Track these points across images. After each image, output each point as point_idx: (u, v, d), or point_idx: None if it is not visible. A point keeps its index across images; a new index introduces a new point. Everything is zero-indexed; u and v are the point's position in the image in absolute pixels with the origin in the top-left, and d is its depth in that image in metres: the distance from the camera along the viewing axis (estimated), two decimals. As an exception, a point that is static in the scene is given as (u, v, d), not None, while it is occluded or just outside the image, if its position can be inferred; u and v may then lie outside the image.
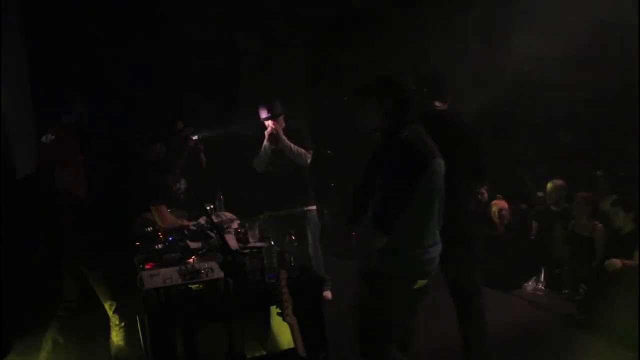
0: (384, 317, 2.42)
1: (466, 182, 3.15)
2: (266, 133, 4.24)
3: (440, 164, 2.37)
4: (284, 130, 4.27)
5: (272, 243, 2.76)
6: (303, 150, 4.27)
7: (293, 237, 2.87)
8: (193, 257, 3.04)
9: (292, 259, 2.78)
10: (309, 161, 4.34)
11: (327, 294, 4.55)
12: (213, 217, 3.56)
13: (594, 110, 5.43)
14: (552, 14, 4.59)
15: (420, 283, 2.40)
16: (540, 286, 4.80)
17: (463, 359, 3.17)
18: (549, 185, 5.17)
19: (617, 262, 4.03)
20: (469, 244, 3.18)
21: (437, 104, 3.17)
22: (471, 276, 3.19)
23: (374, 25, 6.13)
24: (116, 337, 3.20)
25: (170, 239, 3.36)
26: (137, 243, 3.38)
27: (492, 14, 4.97)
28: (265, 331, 3.47)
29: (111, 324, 3.20)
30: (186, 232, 3.48)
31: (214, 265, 2.73)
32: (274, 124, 4.21)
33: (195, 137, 4.18)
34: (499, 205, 5.31)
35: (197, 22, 5.62)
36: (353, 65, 5.96)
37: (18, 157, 4.40)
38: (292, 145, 4.23)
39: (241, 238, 3.40)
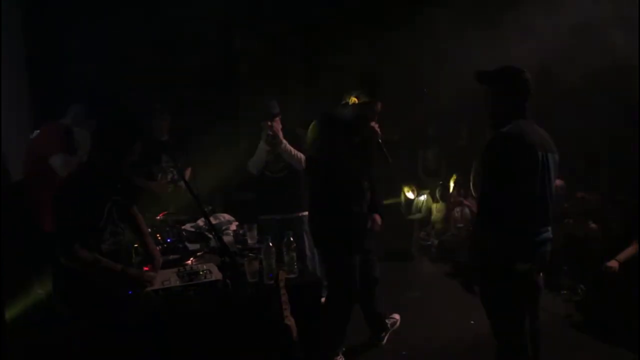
0: None
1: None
2: (263, 134, 4.02)
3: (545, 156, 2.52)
4: (282, 132, 4.04)
5: (270, 244, 2.76)
6: (301, 155, 3.99)
7: (292, 239, 2.86)
8: (192, 258, 3.04)
9: (290, 259, 2.79)
10: None
11: None
12: (211, 218, 3.55)
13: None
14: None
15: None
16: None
17: None
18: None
19: (614, 265, 4.02)
20: None
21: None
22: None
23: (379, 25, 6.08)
24: None
25: (169, 240, 3.36)
26: (136, 245, 3.37)
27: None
28: (265, 331, 3.46)
29: None
30: (184, 233, 3.48)
31: (212, 266, 2.73)
32: (271, 125, 3.99)
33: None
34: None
35: (196, 21, 5.60)
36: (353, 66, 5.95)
37: (18, 157, 4.38)
38: (290, 148, 4.01)
39: (240, 240, 3.40)
